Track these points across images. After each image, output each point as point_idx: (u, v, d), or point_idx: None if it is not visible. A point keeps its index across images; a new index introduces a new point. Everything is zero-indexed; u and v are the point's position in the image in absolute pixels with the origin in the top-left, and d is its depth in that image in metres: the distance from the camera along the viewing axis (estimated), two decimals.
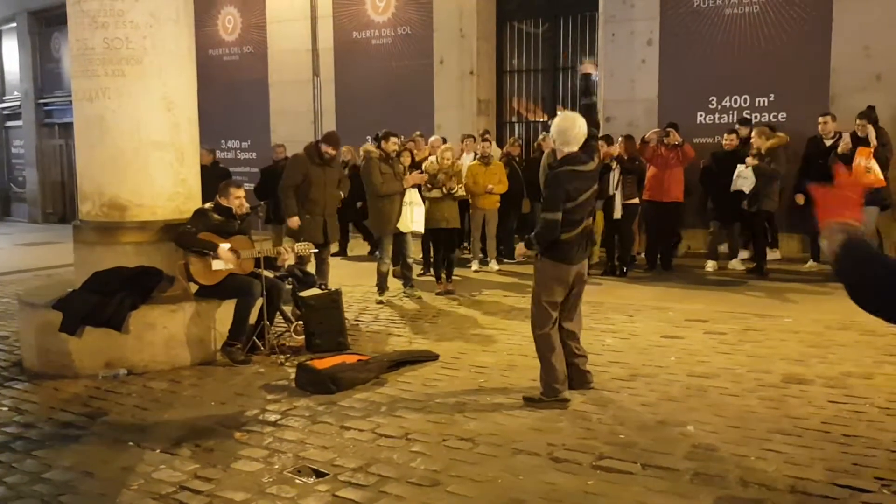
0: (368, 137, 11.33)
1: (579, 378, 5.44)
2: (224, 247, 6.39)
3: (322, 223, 8.20)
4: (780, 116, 10.96)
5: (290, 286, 7.17)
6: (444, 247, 9.32)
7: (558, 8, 13.40)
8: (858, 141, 9.01)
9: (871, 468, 4.05)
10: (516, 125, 14.17)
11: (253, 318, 6.53)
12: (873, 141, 8.80)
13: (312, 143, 8.69)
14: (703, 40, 11.42)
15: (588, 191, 5.28)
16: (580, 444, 4.48)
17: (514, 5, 13.92)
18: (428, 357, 6.36)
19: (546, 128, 13.54)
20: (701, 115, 11.52)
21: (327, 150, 8.23)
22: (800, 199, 9.92)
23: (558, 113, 5.55)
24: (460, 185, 9.30)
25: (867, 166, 8.78)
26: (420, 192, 9.13)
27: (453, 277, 9.43)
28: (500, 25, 14.01)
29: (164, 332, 6.25)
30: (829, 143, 9.51)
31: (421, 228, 8.97)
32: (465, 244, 11.57)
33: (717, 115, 11.45)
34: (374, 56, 14.69)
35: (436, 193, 9.13)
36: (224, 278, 6.43)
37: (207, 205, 6.73)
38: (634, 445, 4.44)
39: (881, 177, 8.82)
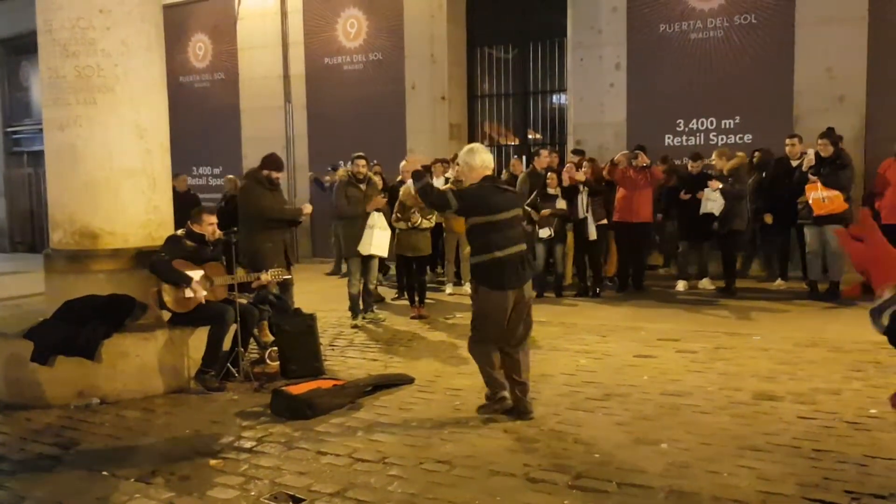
0: (341, 162, 11.38)
1: (518, 407, 5.35)
2: (197, 279, 6.34)
3: (283, 247, 8.00)
4: (745, 138, 11.19)
5: (263, 310, 7.14)
6: (416, 271, 9.33)
7: (528, 34, 13.61)
8: (821, 160, 9.22)
9: (840, 482, 4.12)
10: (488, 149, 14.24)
11: (227, 345, 6.51)
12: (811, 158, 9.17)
13: (256, 170, 8.15)
14: (669, 64, 11.65)
15: (514, 210, 5.37)
16: (556, 464, 4.51)
17: (485, 31, 14.10)
18: (403, 381, 6.37)
19: (518, 151, 13.71)
20: (669, 138, 11.72)
21: (278, 176, 8.03)
22: (768, 218, 10.11)
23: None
24: (430, 218, 9.14)
25: (823, 197, 9.00)
26: (388, 217, 9.12)
27: (426, 301, 9.46)
28: (470, 51, 14.19)
29: (136, 360, 6.19)
30: (795, 163, 9.71)
31: (381, 252, 8.76)
32: (440, 268, 11.61)
33: (684, 138, 11.66)
34: (345, 82, 14.76)
35: (401, 225, 9.05)
36: (197, 305, 6.40)
37: (180, 231, 6.71)
38: (609, 464, 4.47)
39: (842, 201, 9.01)
